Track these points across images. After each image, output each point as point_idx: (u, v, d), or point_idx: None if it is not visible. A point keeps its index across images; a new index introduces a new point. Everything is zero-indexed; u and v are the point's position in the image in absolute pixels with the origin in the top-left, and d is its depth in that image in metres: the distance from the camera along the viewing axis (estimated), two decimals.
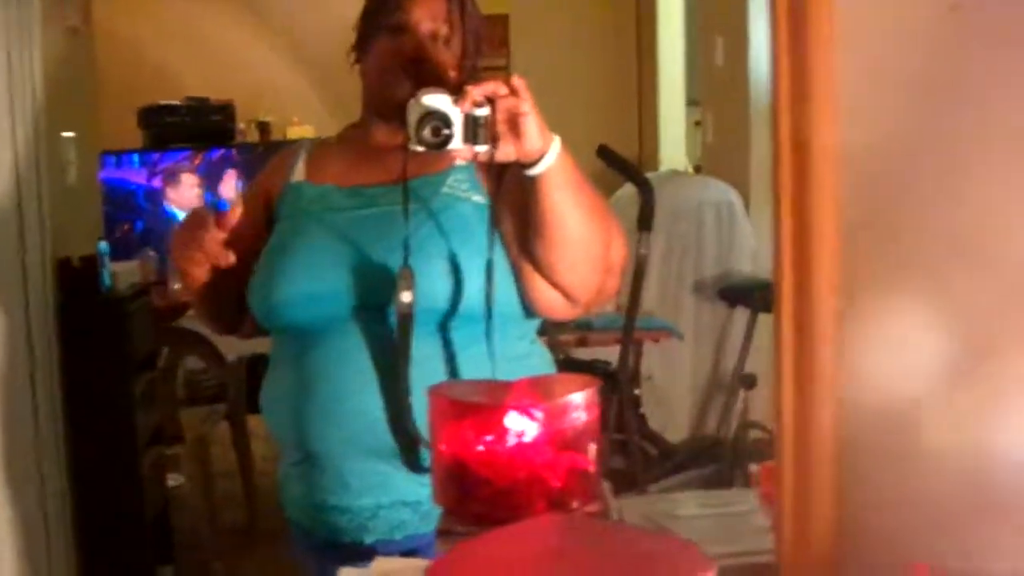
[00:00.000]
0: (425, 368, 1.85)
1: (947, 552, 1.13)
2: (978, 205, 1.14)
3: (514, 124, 1.73)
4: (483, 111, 1.72)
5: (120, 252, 5.05)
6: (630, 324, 4.00)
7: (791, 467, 1.20)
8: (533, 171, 1.78)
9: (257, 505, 5.00)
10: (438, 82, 1.90)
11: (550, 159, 1.77)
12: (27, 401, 3.64)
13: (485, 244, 1.88)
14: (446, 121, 1.73)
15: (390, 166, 1.99)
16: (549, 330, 3.76)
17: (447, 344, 1.91)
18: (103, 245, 4.10)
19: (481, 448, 1.38)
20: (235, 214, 1.90)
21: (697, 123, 6.39)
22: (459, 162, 1.95)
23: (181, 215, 6.17)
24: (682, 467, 4.51)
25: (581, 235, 1.86)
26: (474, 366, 1.90)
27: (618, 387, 3.98)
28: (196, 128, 6.39)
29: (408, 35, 1.99)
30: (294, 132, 6.45)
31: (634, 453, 4.06)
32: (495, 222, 1.89)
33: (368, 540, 1.93)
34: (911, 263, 1.15)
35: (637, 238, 3.91)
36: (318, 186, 2.06)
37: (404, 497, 1.90)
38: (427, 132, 1.73)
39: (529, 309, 1.97)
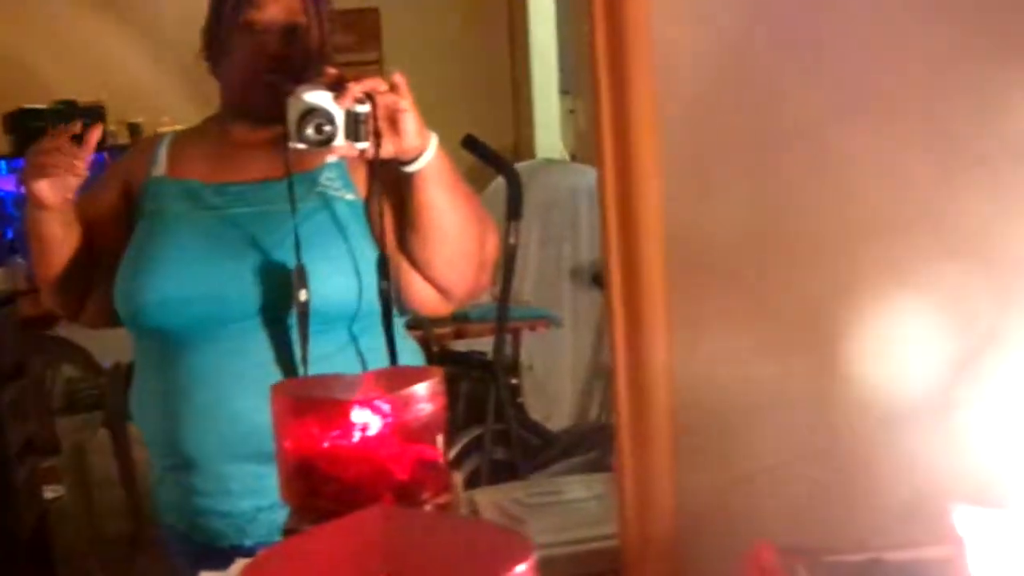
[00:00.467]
0: (319, 367, 1.83)
1: (789, 532, 1.13)
2: (806, 176, 1.14)
3: (393, 121, 1.75)
4: (364, 108, 1.73)
5: None
6: (503, 314, 3.99)
7: (630, 452, 1.19)
8: (411, 168, 1.79)
9: (141, 514, 4.91)
10: (308, 76, 1.89)
11: (428, 156, 1.79)
12: None
13: (363, 241, 1.89)
14: (329, 118, 1.73)
15: (257, 163, 1.97)
16: (425, 323, 3.75)
17: (339, 342, 1.91)
18: None
19: (326, 444, 1.36)
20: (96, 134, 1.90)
21: (571, 111, 6.41)
22: (330, 159, 1.93)
23: None
24: (564, 455, 4.51)
25: (456, 231, 1.87)
26: (366, 363, 1.90)
27: (495, 377, 3.98)
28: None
29: (266, 31, 1.96)
30: (165, 132, 6.36)
31: (514, 443, 4.05)
32: (370, 219, 1.90)
33: (248, 543, 1.91)
34: (733, 241, 1.15)
35: (506, 227, 3.91)
36: (183, 181, 2.02)
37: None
38: (311, 130, 1.73)
39: (401, 306, 1.97)
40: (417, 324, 3.26)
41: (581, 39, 4.85)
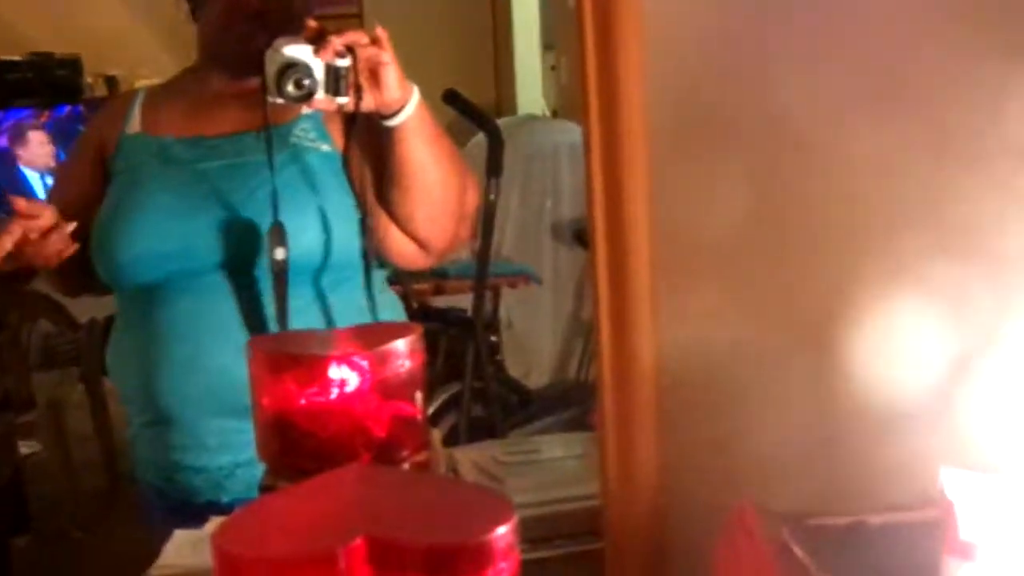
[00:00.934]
0: (295, 322, 1.83)
1: (775, 495, 1.12)
2: (788, 144, 1.13)
3: (374, 74, 1.74)
4: (344, 61, 1.71)
5: None
6: (483, 271, 3.98)
7: (613, 409, 1.18)
8: (392, 122, 1.78)
9: (117, 469, 4.90)
10: (288, 28, 1.86)
11: (409, 110, 1.78)
12: None
13: (339, 193, 1.88)
14: (308, 72, 1.71)
15: (233, 115, 1.96)
16: (403, 279, 3.73)
17: (316, 296, 1.90)
18: None
19: (303, 401, 1.35)
20: (45, 219, 1.83)
21: (553, 67, 6.39)
22: (305, 110, 1.92)
23: (34, 176, 6.02)
24: (543, 413, 4.52)
25: (437, 185, 1.86)
26: (343, 317, 1.89)
27: (474, 335, 3.97)
28: (41, 84, 6.21)
29: None
30: (143, 85, 6.31)
31: (493, 401, 4.05)
32: (349, 172, 1.88)
33: (226, 499, 1.91)
34: (722, 205, 1.14)
35: (486, 183, 3.89)
36: (156, 137, 2.01)
37: None
38: (290, 85, 1.72)
39: (380, 260, 1.96)
40: (396, 280, 3.25)
41: None
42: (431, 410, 3.59)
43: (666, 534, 1.18)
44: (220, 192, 1.89)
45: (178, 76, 2.13)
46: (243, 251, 1.87)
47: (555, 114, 6.46)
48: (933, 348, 1.10)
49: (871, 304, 1.10)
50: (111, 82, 6.55)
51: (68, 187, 2.06)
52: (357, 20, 6.42)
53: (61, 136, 6.10)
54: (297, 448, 1.36)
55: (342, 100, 1.74)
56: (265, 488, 1.40)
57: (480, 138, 4.61)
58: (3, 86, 6.16)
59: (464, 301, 4.21)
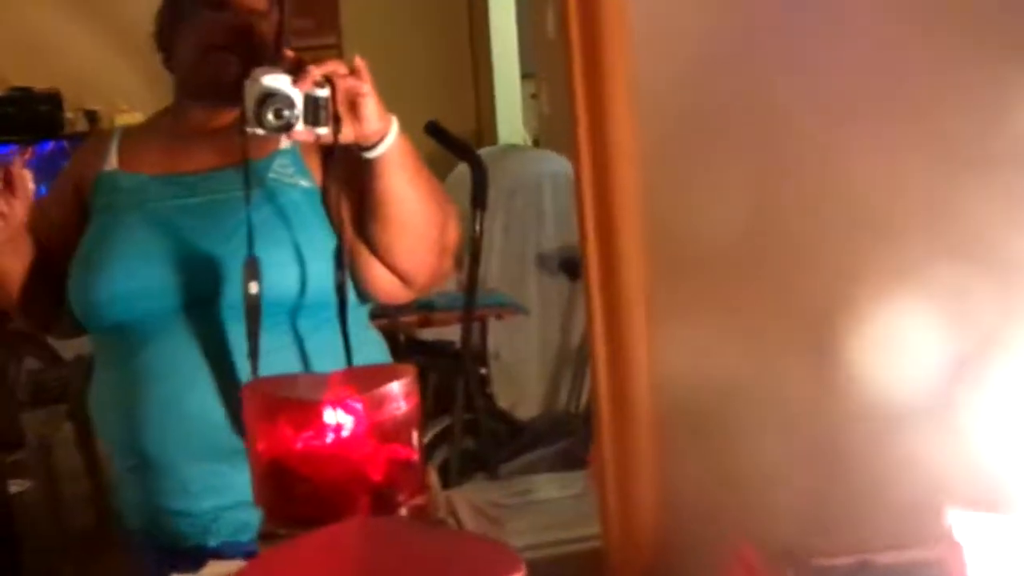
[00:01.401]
0: (273, 360, 1.80)
1: (777, 526, 1.12)
2: (782, 169, 1.13)
3: (353, 105, 1.72)
4: (323, 92, 1.70)
5: None
6: (470, 303, 3.98)
7: (611, 448, 1.18)
8: (371, 153, 1.76)
9: (108, 506, 4.87)
10: (264, 59, 1.87)
11: (388, 141, 1.76)
12: None
13: (319, 230, 1.87)
14: (289, 103, 1.69)
15: (209, 151, 1.95)
16: (390, 312, 3.72)
17: (293, 334, 1.88)
18: None
19: (299, 446, 1.35)
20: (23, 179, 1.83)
21: (533, 96, 6.39)
22: (283, 145, 1.91)
23: None
24: (533, 445, 4.50)
25: (417, 217, 1.85)
26: (322, 356, 1.87)
27: (463, 367, 3.96)
28: (22, 119, 6.20)
29: (229, 11, 1.94)
30: (123, 119, 6.27)
31: (484, 433, 4.04)
32: (327, 206, 1.87)
33: (212, 543, 1.89)
34: (713, 239, 1.14)
35: (472, 216, 3.89)
36: (132, 175, 2.00)
37: (246, 498, 1.83)
38: (270, 115, 1.69)
39: (363, 294, 1.95)
40: (383, 313, 3.24)
41: (542, 23, 4.84)
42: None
43: (669, 574, 1.18)
44: (196, 230, 1.89)
45: (156, 115, 2.13)
46: (216, 290, 1.85)
47: (536, 143, 6.46)
48: (935, 361, 1.09)
49: (872, 326, 1.10)
50: (92, 116, 6.54)
51: (46, 225, 2.04)
52: (336, 52, 6.42)
53: (44, 172, 6.07)
54: (294, 493, 1.36)
55: (322, 131, 1.72)
56: (264, 535, 1.39)
57: (461, 169, 4.62)
58: None
59: (451, 333, 4.20)
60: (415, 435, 1.38)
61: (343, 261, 1.82)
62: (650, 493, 1.17)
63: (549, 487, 1.69)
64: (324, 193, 1.88)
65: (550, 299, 4.96)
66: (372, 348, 2.00)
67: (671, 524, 1.17)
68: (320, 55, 1.75)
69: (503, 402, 4.64)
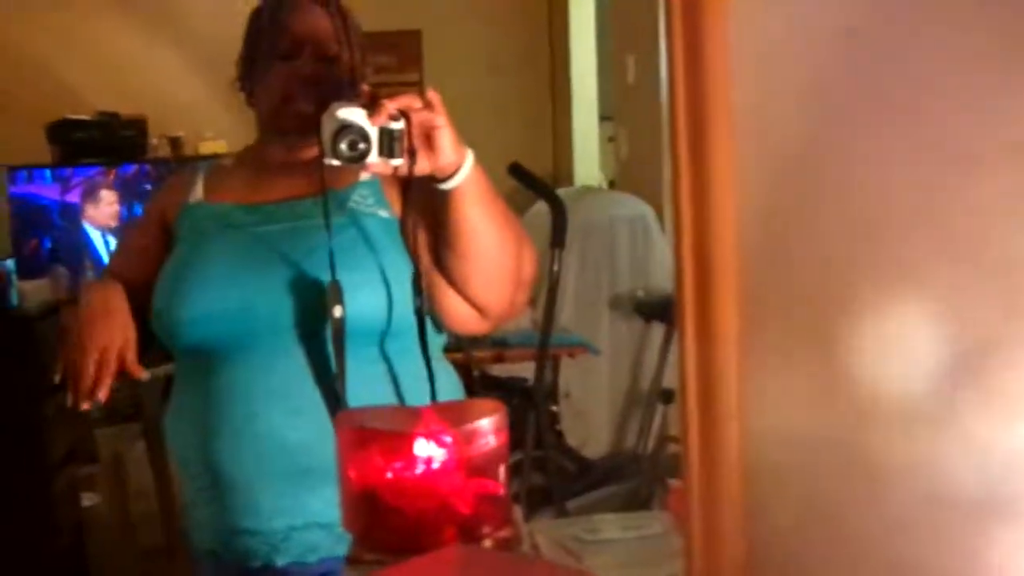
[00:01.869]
0: (353, 384, 1.84)
1: None
2: (876, 221, 1.15)
3: (428, 138, 1.74)
4: (398, 124, 1.73)
5: (29, 269, 4.97)
6: (545, 341, 4.00)
7: (699, 490, 1.20)
8: (447, 185, 1.78)
9: (175, 525, 4.92)
10: (342, 94, 1.90)
11: (464, 173, 1.78)
12: None
13: (397, 258, 1.90)
14: (363, 135, 1.72)
15: (290, 182, 1.99)
16: (465, 346, 3.76)
17: (374, 359, 1.91)
18: (9, 263, 4.05)
19: (390, 475, 1.38)
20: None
21: (611, 139, 6.41)
22: (364, 177, 1.95)
23: (95, 233, 6.12)
24: (600, 483, 4.52)
25: (493, 248, 1.87)
26: (400, 382, 1.91)
27: (535, 404, 3.99)
28: (107, 143, 6.30)
29: (300, 58, 2.00)
30: (206, 147, 6.39)
31: (552, 470, 4.06)
32: (405, 236, 1.90)
33: (280, 563, 1.92)
34: (815, 278, 1.16)
35: (550, 255, 3.92)
36: (217, 204, 2.05)
37: (317, 519, 1.89)
38: (344, 146, 1.72)
39: (438, 325, 1.98)
40: (457, 347, 3.27)
41: (621, 68, 4.87)
42: None
43: None
44: (278, 254, 1.93)
45: (240, 152, 2.19)
46: (301, 313, 1.88)
47: (612, 185, 6.48)
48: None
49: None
50: (175, 143, 6.64)
51: (130, 253, 2.10)
52: (418, 88, 6.49)
53: (127, 195, 6.20)
54: (383, 522, 1.39)
55: (396, 162, 1.75)
56: (352, 560, 1.43)
57: (538, 208, 4.66)
58: (71, 145, 6.26)
59: (522, 370, 4.23)
60: (502, 470, 1.41)
61: (421, 287, 1.85)
62: (737, 541, 1.19)
63: (613, 527, 1.71)
64: (403, 224, 1.91)
65: (621, 340, 4.98)
66: (445, 380, 2.01)
67: (760, 571, 1.18)
68: (401, 91, 1.77)
69: (572, 440, 4.66)
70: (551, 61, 7.09)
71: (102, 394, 1.89)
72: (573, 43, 6.78)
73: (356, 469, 1.41)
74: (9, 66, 5.45)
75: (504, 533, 1.39)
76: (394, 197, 1.96)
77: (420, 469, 1.38)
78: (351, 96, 1.92)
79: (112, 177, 6.21)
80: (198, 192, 2.09)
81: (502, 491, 1.41)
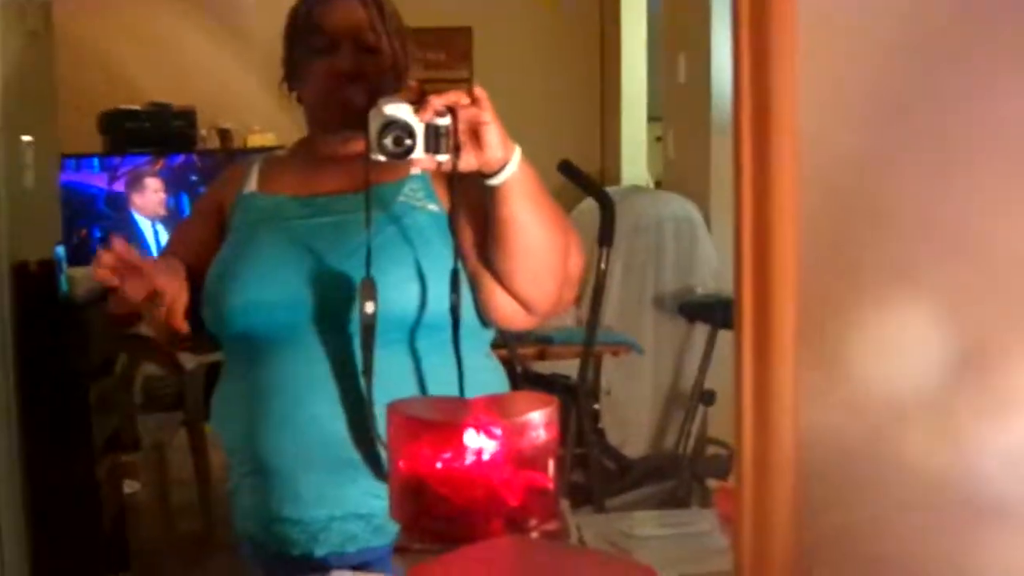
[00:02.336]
0: (387, 378, 1.84)
1: None
2: (943, 222, 1.15)
3: (475, 134, 1.74)
4: (444, 120, 1.72)
5: (79, 257, 5.01)
6: (590, 339, 4.00)
7: (751, 491, 1.19)
8: (494, 181, 1.78)
9: (214, 513, 4.97)
10: (386, 88, 1.91)
11: (511, 169, 1.77)
12: None
13: (443, 253, 1.89)
14: (408, 130, 1.72)
15: (341, 175, 2.00)
16: (510, 343, 3.77)
17: (410, 354, 1.91)
18: (60, 250, 4.08)
19: (439, 465, 1.38)
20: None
21: (658, 139, 6.40)
22: (414, 171, 1.95)
23: (144, 222, 6.17)
24: (640, 482, 4.52)
25: (540, 245, 1.86)
26: (436, 377, 1.90)
27: (577, 401, 3.99)
28: (157, 134, 6.35)
29: (339, 52, 2.00)
30: (255, 140, 6.44)
31: (593, 468, 4.06)
32: (453, 231, 1.90)
33: (319, 552, 1.92)
34: (873, 283, 1.15)
35: (597, 253, 3.92)
36: (270, 196, 2.06)
37: (357, 510, 1.89)
38: (389, 141, 1.73)
39: (485, 320, 1.98)
40: (502, 343, 3.28)
41: (671, 68, 4.85)
42: None
43: None
44: (325, 248, 1.93)
45: (292, 146, 2.19)
46: (342, 306, 1.89)
47: (659, 185, 6.47)
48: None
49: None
50: (224, 135, 6.68)
51: (185, 240, 2.11)
52: (468, 85, 6.50)
53: (174, 184, 6.25)
54: (431, 511, 1.39)
55: (442, 158, 1.74)
56: (399, 548, 1.43)
57: (585, 206, 4.66)
58: (122, 134, 6.30)
59: (565, 367, 4.23)
60: (552, 464, 1.41)
61: (458, 284, 1.85)
62: (787, 541, 1.18)
63: (654, 523, 1.71)
64: (451, 219, 1.91)
65: (665, 340, 4.97)
66: (490, 375, 2.02)
67: (808, 573, 1.18)
68: (452, 88, 1.77)
69: (612, 438, 4.65)
70: (601, 60, 7.09)
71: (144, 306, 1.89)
72: (624, 41, 6.78)
73: (406, 458, 1.41)
74: (67, 57, 5.49)
75: (551, 526, 1.39)
76: (443, 192, 1.96)
77: (470, 460, 1.38)
78: (395, 86, 1.94)
79: (159, 167, 6.26)
80: (252, 183, 2.10)
81: (551, 484, 1.41)
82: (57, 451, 3.89)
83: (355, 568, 1.84)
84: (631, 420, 4.93)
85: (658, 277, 4.97)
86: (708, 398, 4.63)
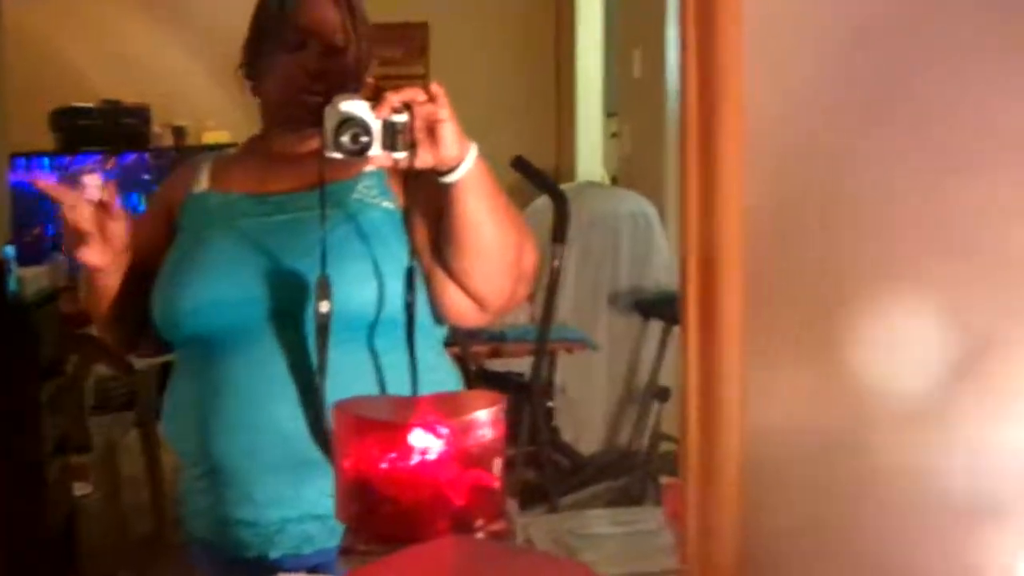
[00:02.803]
0: (345, 377, 1.83)
1: None
2: (898, 217, 1.14)
3: (432, 131, 1.73)
4: (401, 118, 1.72)
5: (30, 256, 4.97)
6: (543, 336, 3.99)
7: (696, 490, 1.19)
8: (449, 178, 1.77)
9: (166, 515, 4.94)
10: (347, 87, 1.91)
11: (467, 166, 1.77)
12: None
13: (398, 250, 1.89)
14: (365, 128, 1.72)
15: (296, 173, 1.98)
16: (462, 340, 3.76)
17: (367, 352, 1.90)
18: (9, 250, 4.04)
19: (385, 465, 1.37)
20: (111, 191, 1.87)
21: (614, 134, 6.41)
22: (368, 168, 1.94)
23: None
24: (594, 479, 4.52)
25: (495, 242, 1.86)
26: (393, 375, 1.89)
27: (531, 399, 3.98)
28: (109, 131, 6.31)
29: (306, 50, 1.98)
30: (209, 137, 6.40)
31: (546, 465, 4.06)
32: (408, 228, 1.89)
33: (274, 555, 1.90)
34: (817, 283, 1.15)
35: (551, 250, 3.91)
36: (223, 194, 2.04)
37: (313, 510, 1.88)
38: (346, 139, 1.72)
39: (438, 317, 1.97)
40: (454, 341, 3.26)
41: (627, 63, 4.86)
42: None
43: None
44: (279, 246, 1.92)
45: (245, 143, 2.17)
46: (297, 304, 1.87)
47: (614, 181, 6.47)
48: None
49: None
50: (178, 132, 6.64)
51: (136, 244, 2.09)
52: (423, 81, 6.49)
53: (127, 183, 6.19)
54: (376, 512, 1.38)
55: (399, 155, 1.73)
56: (344, 550, 1.42)
57: (540, 203, 4.65)
58: (74, 132, 6.25)
59: (519, 365, 4.22)
60: (498, 463, 1.40)
61: (413, 281, 1.84)
62: (732, 541, 1.17)
63: (605, 522, 1.70)
64: (406, 215, 1.90)
65: (619, 336, 4.97)
66: (444, 374, 2.01)
67: (754, 571, 1.17)
68: (407, 85, 1.76)
69: (566, 435, 4.66)
70: (556, 55, 7.09)
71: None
72: (579, 37, 6.78)
73: (351, 458, 1.40)
74: (17, 53, 5.43)
75: (498, 526, 1.39)
76: (398, 189, 1.96)
77: (415, 460, 1.37)
78: (355, 87, 1.93)
79: (110, 165, 6.21)
80: (204, 181, 2.08)
81: (497, 484, 1.40)
82: (5, 453, 3.84)
83: (311, 570, 1.82)
84: (585, 417, 4.93)
85: (613, 273, 4.96)
86: (662, 395, 4.64)
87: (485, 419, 1.38)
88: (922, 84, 1.13)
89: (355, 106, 1.73)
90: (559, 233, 3.93)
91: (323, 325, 1.82)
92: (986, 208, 1.09)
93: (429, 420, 1.38)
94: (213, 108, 6.31)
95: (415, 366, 1.84)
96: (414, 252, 1.88)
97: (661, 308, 4.72)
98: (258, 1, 2.09)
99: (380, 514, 1.38)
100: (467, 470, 1.37)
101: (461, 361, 3.22)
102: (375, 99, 1.73)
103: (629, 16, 5.74)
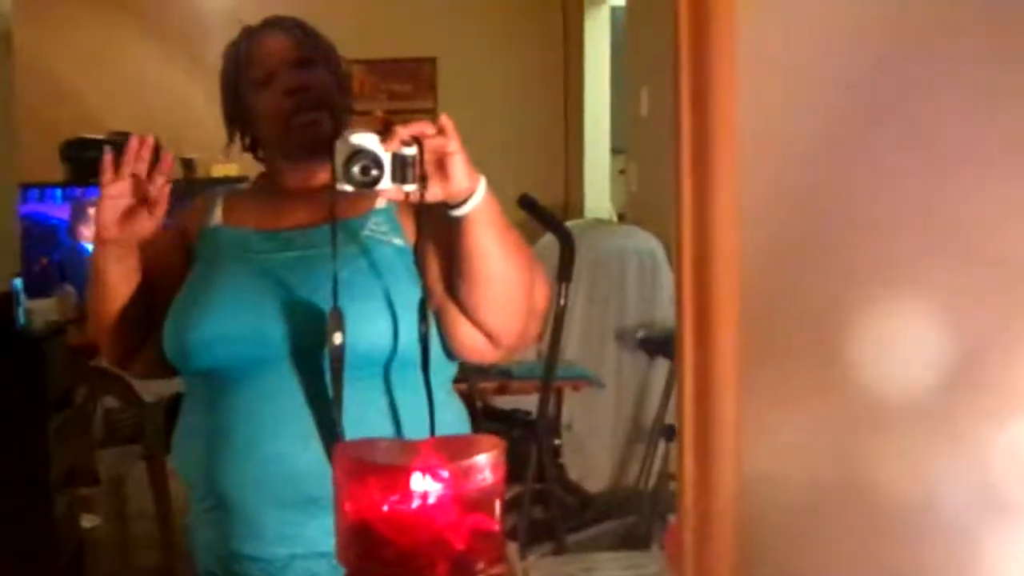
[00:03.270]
0: (359, 414, 1.83)
1: None
2: (875, 265, 1.15)
3: (441, 164, 1.74)
4: (411, 150, 1.72)
5: (38, 287, 4.99)
6: (550, 374, 3.99)
7: (693, 530, 1.19)
8: (459, 211, 1.78)
9: (174, 547, 4.94)
10: (326, 103, 1.97)
11: (476, 199, 1.78)
12: None
13: (410, 287, 1.89)
14: (375, 160, 1.72)
15: (306, 208, 1.99)
16: (470, 377, 3.75)
17: (382, 389, 1.91)
18: (17, 282, 4.06)
19: (386, 508, 1.37)
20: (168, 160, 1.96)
21: (622, 171, 6.42)
22: (379, 204, 1.95)
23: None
24: (601, 518, 4.51)
25: (505, 276, 1.87)
26: (407, 413, 1.90)
27: (537, 437, 3.97)
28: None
29: (278, 78, 2.02)
30: (219, 169, 6.41)
31: (553, 504, 4.05)
32: (419, 264, 1.89)
33: None
34: (808, 327, 1.15)
35: (557, 289, 3.91)
36: (235, 229, 2.05)
37: (319, 548, 1.87)
38: (356, 170, 1.72)
39: (450, 353, 1.97)
40: (462, 378, 3.26)
41: (634, 101, 4.86)
42: None
43: None
44: (290, 281, 1.93)
45: (257, 178, 2.19)
46: (311, 340, 1.87)
47: (622, 218, 6.48)
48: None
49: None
50: (188, 165, 6.65)
51: (149, 264, 2.09)
52: (432, 116, 6.51)
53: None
54: (376, 554, 1.38)
55: (409, 188, 1.74)
56: None
57: (546, 241, 4.66)
58: (84, 163, 6.27)
59: (526, 402, 4.22)
60: (498, 506, 1.40)
61: (426, 313, 1.84)
62: None
63: (610, 565, 1.69)
64: (416, 251, 1.91)
65: (626, 374, 4.96)
66: (452, 413, 2.01)
67: None
68: (416, 119, 1.77)
69: (573, 474, 4.64)
70: (565, 93, 7.11)
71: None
72: (587, 74, 6.81)
73: (352, 501, 1.40)
74: (28, 85, 5.46)
75: (497, 570, 1.39)
76: (408, 225, 1.96)
77: (416, 503, 1.38)
78: (344, 101, 1.99)
79: None
80: (217, 216, 2.09)
81: (497, 527, 1.40)
82: (14, 486, 3.85)
83: None
84: (592, 455, 4.91)
85: (620, 311, 4.95)
86: (669, 433, 4.62)
87: (485, 463, 1.38)
88: (922, 85, 1.13)
89: (365, 139, 1.73)
90: (565, 273, 3.93)
91: (336, 359, 1.82)
92: (986, 208, 1.09)
93: (430, 464, 1.38)
94: (223, 141, 6.31)
95: (431, 399, 1.84)
96: (426, 288, 1.87)
97: (667, 346, 4.71)
98: (221, 69, 2.12)
99: (380, 557, 1.38)
100: (467, 514, 1.38)
101: (468, 398, 3.22)
102: (384, 132, 1.74)
103: (637, 54, 5.76)
